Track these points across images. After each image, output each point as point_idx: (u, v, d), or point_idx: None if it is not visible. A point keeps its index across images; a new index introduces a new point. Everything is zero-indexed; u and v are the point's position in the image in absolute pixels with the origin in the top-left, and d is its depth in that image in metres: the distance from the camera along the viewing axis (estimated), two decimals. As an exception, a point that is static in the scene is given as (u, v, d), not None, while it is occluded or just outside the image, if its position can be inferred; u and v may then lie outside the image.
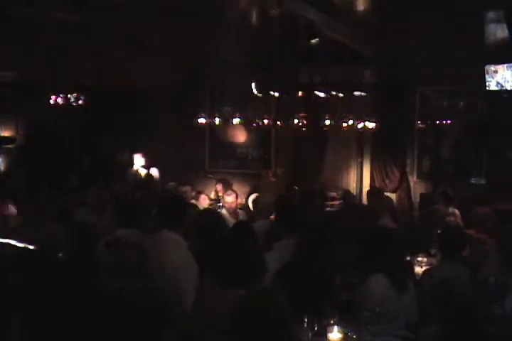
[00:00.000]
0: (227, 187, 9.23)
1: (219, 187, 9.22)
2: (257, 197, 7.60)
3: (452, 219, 7.46)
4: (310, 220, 5.52)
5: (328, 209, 8.02)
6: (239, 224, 5.65)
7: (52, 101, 10.11)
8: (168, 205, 4.96)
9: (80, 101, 10.28)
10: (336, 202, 8.46)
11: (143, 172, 10.04)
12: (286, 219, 5.34)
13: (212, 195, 9.28)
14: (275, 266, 4.34)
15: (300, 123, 8.37)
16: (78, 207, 6.71)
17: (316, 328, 3.87)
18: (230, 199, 7.33)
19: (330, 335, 3.83)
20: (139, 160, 10.12)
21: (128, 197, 7.31)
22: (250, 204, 8.22)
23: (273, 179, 9.46)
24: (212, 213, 6.39)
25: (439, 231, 6.76)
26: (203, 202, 7.85)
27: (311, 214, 6.57)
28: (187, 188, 8.28)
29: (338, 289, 4.45)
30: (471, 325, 3.52)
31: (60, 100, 10.18)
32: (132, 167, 10.14)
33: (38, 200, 7.08)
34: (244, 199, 8.72)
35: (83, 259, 4.23)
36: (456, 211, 7.66)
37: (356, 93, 8.52)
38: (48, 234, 5.11)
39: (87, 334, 2.89)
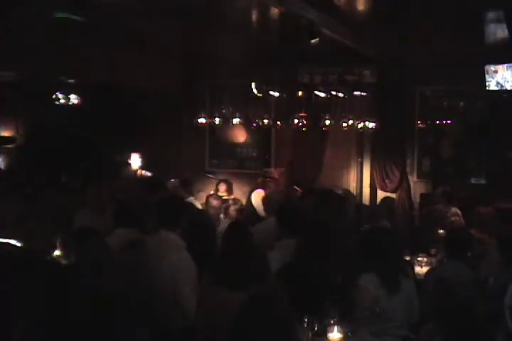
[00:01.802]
0: (231, 187, 9.26)
1: (223, 187, 9.23)
2: (268, 194, 7.61)
3: (457, 218, 7.46)
4: (311, 220, 5.51)
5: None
6: (234, 224, 5.66)
7: (52, 101, 10.10)
8: (166, 205, 4.96)
9: (80, 101, 10.27)
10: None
11: (142, 172, 10.05)
12: (287, 218, 5.34)
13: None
14: (276, 265, 4.34)
15: (300, 123, 8.36)
16: (78, 207, 6.71)
17: (316, 328, 3.87)
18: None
19: (330, 335, 3.84)
20: (137, 160, 10.13)
21: (128, 197, 7.32)
22: (253, 200, 8.24)
23: (276, 176, 9.46)
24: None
25: (440, 231, 6.80)
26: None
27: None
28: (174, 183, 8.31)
29: (339, 289, 4.45)
30: (470, 324, 3.52)
31: (60, 100, 10.17)
32: (132, 167, 10.15)
33: (38, 200, 7.08)
34: (245, 199, 8.74)
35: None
36: (458, 210, 7.66)
37: (356, 93, 8.51)
38: (48, 235, 5.13)
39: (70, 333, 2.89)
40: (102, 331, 2.80)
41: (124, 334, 2.78)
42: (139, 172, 10.00)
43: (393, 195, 9.36)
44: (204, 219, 5.79)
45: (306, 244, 4.60)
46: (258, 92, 8.14)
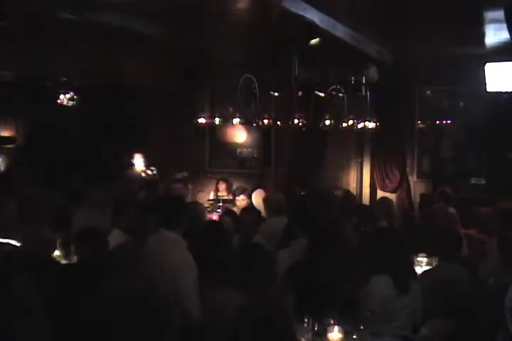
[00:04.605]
0: (231, 186, 9.26)
1: (222, 186, 9.23)
2: (268, 194, 7.62)
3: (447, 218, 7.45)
4: (322, 220, 5.51)
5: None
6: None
7: (52, 101, 10.11)
8: (166, 204, 4.97)
9: (80, 101, 10.28)
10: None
11: (143, 172, 10.04)
12: (302, 218, 5.37)
13: (212, 195, 9.29)
14: (288, 264, 4.38)
15: (300, 123, 8.35)
16: (78, 207, 6.71)
17: (316, 328, 3.87)
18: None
19: (330, 335, 3.84)
20: (139, 161, 10.13)
21: (128, 197, 7.32)
22: (254, 200, 8.23)
23: (273, 176, 9.45)
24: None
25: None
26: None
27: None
28: (179, 185, 8.30)
29: (342, 289, 4.46)
30: (471, 324, 3.52)
31: (60, 100, 10.18)
32: (132, 167, 10.14)
33: (38, 200, 7.07)
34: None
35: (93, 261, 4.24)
36: (453, 210, 7.63)
37: (356, 93, 8.50)
38: (48, 235, 5.12)
39: (88, 334, 2.89)
40: (107, 331, 2.80)
41: (125, 334, 2.77)
42: (143, 172, 9.98)
43: (393, 195, 9.36)
44: (205, 219, 5.80)
45: (315, 244, 4.63)
46: (258, 92, 8.14)
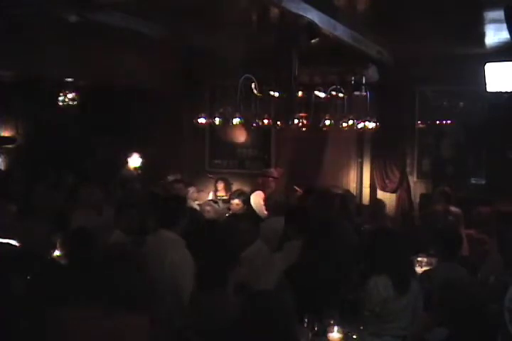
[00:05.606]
0: (229, 185, 9.25)
1: (220, 185, 9.23)
2: (269, 194, 7.63)
3: (451, 218, 7.44)
4: (316, 220, 5.51)
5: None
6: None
7: (52, 101, 10.11)
8: (165, 204, 4.98)
9: (80, 101, 10.29)
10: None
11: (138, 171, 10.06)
12: (296, 219, 5.36)
13: (211, 196, 9.28)
14: (283, 266, 4.37)
15: (300, 123, 8.35)
16: (77, 207, 6.71)
17: (316, 328, 3.87)
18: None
19: (330, 335, 3.84)
20: (137, 160, 10.13)
21: (128, 197, 7.33)
22: (252, 202, 8.23)
23: (277, 176, 9.44)
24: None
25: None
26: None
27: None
28: (179, 185, 8.31)
29: (342, 289, 4.46)
30: (471, 324, 3.52)
31: (59, 100, 10.19)
32: (132, 167, 10.15)
33: (37, 200, 7.08)
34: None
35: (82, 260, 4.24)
36: (458, 210, 7.62)
37: (356, 93, 8.51)
38: (48, 235, 5.13)
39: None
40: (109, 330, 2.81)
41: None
42: (135, 171, 9.99)
43: (393, 195, 9.36)
44: (202, 219, 5.81)
45: (311, 244, 4.62)
46: (258, 92, 8.14)
